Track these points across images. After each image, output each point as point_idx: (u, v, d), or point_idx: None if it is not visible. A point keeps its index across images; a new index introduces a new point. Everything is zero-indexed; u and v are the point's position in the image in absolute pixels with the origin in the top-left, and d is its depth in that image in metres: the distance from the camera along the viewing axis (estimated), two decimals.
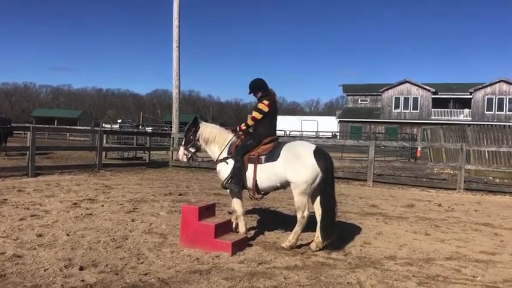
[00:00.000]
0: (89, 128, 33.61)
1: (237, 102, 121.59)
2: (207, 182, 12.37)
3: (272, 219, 7.35)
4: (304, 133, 43.17)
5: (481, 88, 46.30)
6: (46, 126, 39.92)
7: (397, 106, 48.66)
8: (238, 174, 5.83)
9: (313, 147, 5.64)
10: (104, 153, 15.71)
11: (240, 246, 5.36)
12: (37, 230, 5.90)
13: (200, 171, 14.93)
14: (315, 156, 5.46)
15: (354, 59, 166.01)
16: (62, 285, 4.02)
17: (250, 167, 5.79)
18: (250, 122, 6.05)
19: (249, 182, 5.80)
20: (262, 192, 6.04)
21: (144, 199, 8.79)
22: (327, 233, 5.54)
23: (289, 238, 5.62)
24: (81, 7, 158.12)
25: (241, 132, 6.21)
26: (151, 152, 17.23)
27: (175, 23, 17.35)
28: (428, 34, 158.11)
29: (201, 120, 6.59)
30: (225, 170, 6.05)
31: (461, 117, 46.67)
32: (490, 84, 45.92)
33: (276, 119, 6.19)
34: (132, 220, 6.79)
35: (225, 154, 6.10)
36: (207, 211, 5.69)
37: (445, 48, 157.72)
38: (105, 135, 17.35)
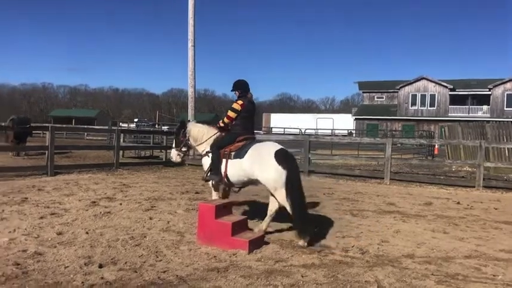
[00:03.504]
0: (106, 127, 33.98)
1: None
2: None
3: (288, 218, 7.33)
4: (319, 131, 43.07)
5: (501, 84, 45.54)
6: (64, 126, 40.52)
7: (413, 103, 48.15)
8: (216, 165, 6.37)
9: (276, 148, 5.98)
10: (121, 152, 15.87)
11: (257, 244, 5.37)
12: (57, 228, 6.00)
13: None
14: (276, 157, 5.82)
15: (370, 56, 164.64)
16: (82, 282, 4.08)
17: (224, 161, 6.32)
18: (226, 120, 6.64)
19: (222, 174, 6.32)
20: (236, 185, 6.55)
21: (161, 197, 8.86)
22: (300, 230, 5.65)
23: (297, 234, 5.73)
24: (97, 7, 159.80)
25: (221, 129, 6.75)
26: (167, 150, 17.37)
27: (191, 22, 17.42)
28: (445, 30, 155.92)
29: (187, 121, 7.19)
30: (206, 163, 6.65)
31: (479, 113, 45.96)
32: (510, 80, 45.10)
33: (252, 119, 6.77)
34: (150, 218, 6.85)
35: (208, 148, 6.66)
36: (224, 209, 5.72)
37: (462, 44, 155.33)
38: (122, 135, 17.54)
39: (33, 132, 25.00)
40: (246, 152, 6.13)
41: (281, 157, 5.85)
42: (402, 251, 5.55)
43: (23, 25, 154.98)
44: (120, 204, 7.95)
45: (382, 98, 53.13)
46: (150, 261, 4.76)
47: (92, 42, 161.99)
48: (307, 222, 5.75)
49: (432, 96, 47.62)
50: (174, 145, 7.22)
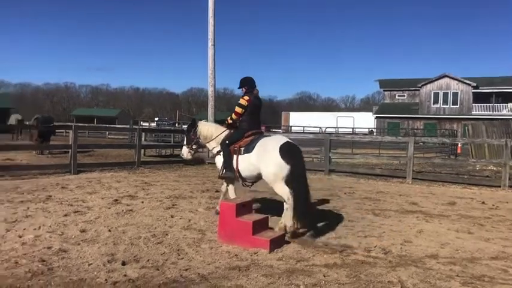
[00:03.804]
0: (128, 126, 34.37)
1: (271, 99, 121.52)
2: None
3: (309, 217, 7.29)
4: (340, 129, 42.76)
5: None
6: (86, 125, 41.12)
7: (436, 101, 47.31)
8: (228, 162, 6.60)
9: (282, 142, 6.10)
10: (142, 150, 16.03)
11: (277, 243, 5.35)
12: (80, 226, 6.09)
13: None
14: (280, 151, 5.93)
15: (391, 54, 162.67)
16: (106, 279, 4.13)
17: (234, 157, 6.54)
18: (234, 116, 6.83)
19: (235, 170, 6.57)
20: (249, 180, 6.72)
21: (182, 196, 8.92)
22: (302, 221, 5.81)
23: (285, 223, 5.91)
24: (118, 7, 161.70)
25: (229, 126, 6.96)
26: None
27: (211, 21, 17.46)
28: (468, 27, 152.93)
29: (198, 120, 7.42)
30: (219, 161, 6.90)
31: (504, 111, 44.88)
32: None
33: (258, 115, 6.96)
34: (171, 216, 6.90)
35: (218, 147, 6.89)
36: (244, 208, 5.72)
37: (486, 41, 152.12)
38: (143, 133, 17.71)
39: (56, 131, 25.49)
40: (254, 147, 6.32)
41: (285, 151, 5.95)
42: (426, 251, 5.46)
43: (46, 25, 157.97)
44: (142, 202, 8.03)
45: (404, 96, 52.39)
46: (172, 259, 4.79)
47: (113, 42, 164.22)
48: (307, 216, 5.86)
49: (455, 94, 46.73)
50: (185, 143, 7.54)
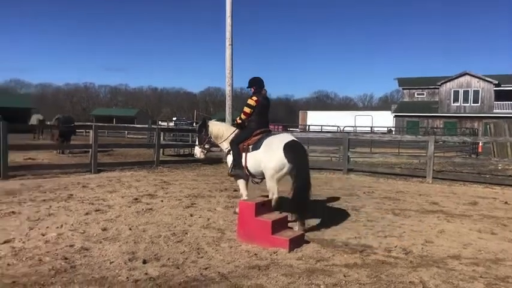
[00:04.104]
0: (146, 126, 34.70)
1: (288, 98, 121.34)
2: None
3: (329, 216, 7.26)
4: (358, 128, 42.44)
5: None
6: (106, 124, 41.60)
7: (456, 99, 46.58)
8: (238, 160, 6.83)
9: (287, 140, 6.32)
10: (161, 150, 16.15)
11: (297, 242, 5.34)
12: (102, 224, 6.17)
13: None
14: (284, 149, 6.16)
15: (410, 52, 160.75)
16: (127, 277, 4.18)
17: (243, 155, 6.77)
18: (243, 116, 7.04)
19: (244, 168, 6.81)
20: (258, 177, 6.91)
21: (201, 194, 8.96)
22: (299, 213, 6.01)
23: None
24: (136, 8, 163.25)
25: (239, 125, 7.17)
26: None
27: (228, 21, 17.49)
28: (489, 24, 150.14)
29: (208, 120, 7.67)
30: (229, 159, 7.12)
31: None
32: None
33: (266, 114, 7.13)
34: (191, 215, 6.94)
35: (228, 146, 7.13)
36: (263, 207, 5.71)
37: (508, 38, 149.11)
38: (162, 133, 17.85)
39: (77, 130, 25.86)
40: (262, 144, 6.57)
41: (289, 149, 6.17)
42: (447, 251, 5.38)
43: (67, 26, 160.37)
44: (161, 201, 8.09)
45: (423, 94, 51.72)
46: (192, 258, 4.81)
47: (132, 43, 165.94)
48: (304, 210, 6.03)
49: (476, 92, 45.93)
50: (197, 143, 7.72)
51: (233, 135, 7.14)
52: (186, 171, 13.62)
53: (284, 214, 5.96)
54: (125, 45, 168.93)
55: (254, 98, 6.95)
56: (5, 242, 5.14)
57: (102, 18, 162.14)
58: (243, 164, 6.79)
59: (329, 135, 20.43)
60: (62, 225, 6.00)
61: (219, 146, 7.59)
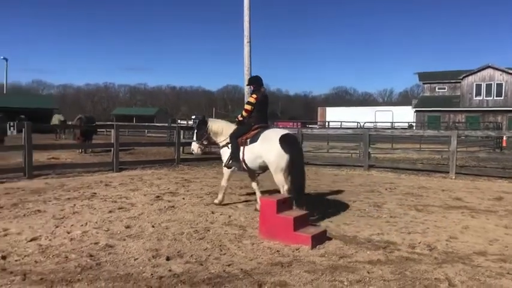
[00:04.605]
0: (166, 124, 34.97)
1: (306, 94, 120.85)
2: None
3: (351, 213, 7.22)
4: (378, 124, 42.00)
5: None
6: (126, 124, 42.06)
7: (478, 93, 45.66)
8: (235, 153, 7.19)
9: (282, 133, 6.76)
10: (181, 148, 16.26)
11: (319, 239, 5.32)
12: (125, 222, 6.25)
13: None
14: (280, 141, 6.54)
15: (429, 46, 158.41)
16: (152, 274, 4.23)
17: (241, 148, 7.13)
18: (244, 113, 7.38)
19: (241, 161, 7.16)
20: (253, 170, 7.33)
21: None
22: (297, 199, 6.25)
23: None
24: (154, 7, 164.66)
25: (240, 122, 7.51)
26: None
27: (246, 18, 17.47)
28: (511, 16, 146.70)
29: (207, 118, 8.01)
30: (225, 153, 7.52)
31: None
32: None
33: (265, 111, 7.48)
34: (212, 212, 6.98)
35: (228, 140, 7.45)
36: (284, 204, 5.71)
37: None
38: (181, 131, 17.96)
39: (98, 130, 26.24)
40: (259, 138, 6.92)
41: (284, 141, 6.57)
42: (473, 248, 5.29)
43: (85, 27, 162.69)
44: (183, 198, 8.16)
45: (444, 88, 50.86)
46: (215, 255, 4.84)
47: (150, 43, 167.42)
48: (302, 197, 6.38)
49: (499, 86, 44.93)
50: (195, 138, 7.98)
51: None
52: (206, 169, 13.70)
53: (305, 211, 5.95)
54: (144, 45, 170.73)
55: (254, 95, 7.30)
56: (32, 240, 5.26)
57: (120, 18, 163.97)
58: (241, 157, 7.12)
59: (349, 131, 20.30)
60: (86, 223, 6.10)
61: (216, 143, 7.92)
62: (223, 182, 7.66)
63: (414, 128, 42.35)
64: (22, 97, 56.79)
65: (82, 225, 6.03)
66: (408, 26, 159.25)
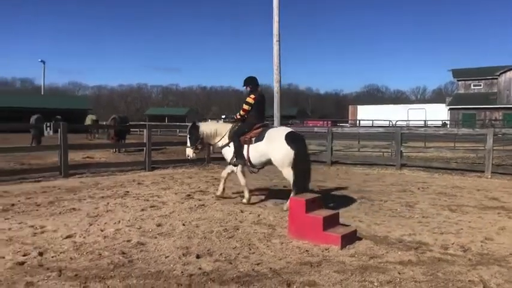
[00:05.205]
0: None
1: (337, 93, 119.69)
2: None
3: (382, 213, 7.12)
4: (411, 122, 41.20)
5: None
6: (159, 123, 42.71)
7: None
8: (239, 152, 7.47)
9: (287, 131, 7.18)
10: (211, 147, 16.39)
11: (349, 239, 5.27)
12: (156, 220, 6.36)
13: None
14: (286, 139, 6.92)
15: (463, 42, 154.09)
16: (182, 271, 4.29)
17: (245, 147, 7.40)
18: (242, 112, 7.68)
19: (245, 158, 7.45)
20: (257, 167, 7.67)
21: (250, 191, 9.00)
22: (301, 192, 6.52)
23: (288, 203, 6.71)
24: (181, 8, 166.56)
25: (238, 121, 7.76)
26: None
27: (275, 18, 17.44)
28: None
29: (197, 122, 8.26)
30: (228, 151, 7.80)
31: None
32: None
33: (263, 110, 7.80)
34: (241, 211, 7.01)
35: (226, 140, 7.76)
36: (314, 204, 5.69)
37: None
38: None
39: (131, 130, 26.76)
40: (264, 136, 7.21)
41: (290, 139, 6.95)
42: (509, 249, 5.12)
43: (119, 28, 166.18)
44: (213, 197, 8.23)
45: (480, 85, 49.38)
46: (244, 253, 4.87)
47: (181, 44, 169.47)
48: (306, 191, 6.67)
49: None
50: (188, 144, 8.11)
51: (230, 131, 7.73)
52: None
53: (335, 211, 5.91)
54: (175, 45, 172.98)
55: (252, 96, 7.58)
56: (67, 237, 5.42)
57: (151, 20, 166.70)
58: (245, 155, 7.40)
59: (381, 129, 19.98)
60: (119, 221, 6.25)
61: (211, 145, 8.26)
62: (242, 182, 7.85)
63: (448, 126, 41.32)
64: (58, 98, 58.52)
65: (115, 223, 6.18)
66: (442, 22, 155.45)
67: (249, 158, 7.42)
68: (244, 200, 7.70)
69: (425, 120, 44.63)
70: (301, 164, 6.91)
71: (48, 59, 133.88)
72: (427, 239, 5.53)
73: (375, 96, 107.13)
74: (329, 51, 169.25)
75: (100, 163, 13.91)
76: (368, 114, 54.70)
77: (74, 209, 7.09)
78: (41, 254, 4.77)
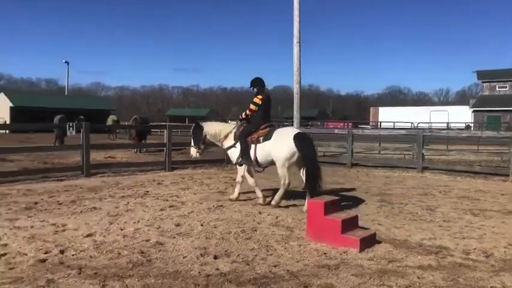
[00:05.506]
0: None
1: (358, 94, 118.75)
2: (329, 176, 12.24)
3: (402, 216, 7.02)
4: (433, 124, 40.56)
5: None
6: (179, 124, 43.03)
7: None
8: (245, 151, 7.56)
9: (295, 132, 7.36)
10: None
11: (368, 242, 5.21)
12: (175, 220, 6.41)
13: (322, 166, 14.70)
14: (294, 139, 7.07)
15: (488, 43, 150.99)
16: (199, 272, 4.30)
17: (252, 146, 7.52)
18: (248, 112, 7.80)
19: (252, 157, 7.56)
20: (262, 166, 7.82)
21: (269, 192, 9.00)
22: (312, 192, 6.85)
23: (275, 198, 7.43)
24: (203, 10, 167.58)
25: (243, 120, 7.91)
26: None
27: (296, 19, 17.42)
28: None
29: (200, 122, 8.34)
30: (234, 152, 7.90)
31: None
32: None
33: (269, 110, 7.92)
34: (259, 212, 7.01)
35: (232, 140, 7.89)
36: (333, 206, 5.65)
37: None
38: None
39: (152, 130, 27.05)
40: (272, 136, 7.36)
41: (297, 139, 7.09)
42: None
43: (141, 30, 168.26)
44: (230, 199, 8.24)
45: (505, 87, 48.27)
46: (261, 255, 4.86)
47: (203, 44, 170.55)
48: (317, 190, 6.91)
49: None
50: (192, 143, 8.27)
51: (235, 130, 7.91)
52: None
53: (354, 213, 5.85)
54: (196, 45, 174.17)
55: (259, 96, 7.69)
56: (87, 236, 5.50)
57: (172, 21, 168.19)
58: (252, 154, 7.51)
59: (402, 132, 19.75)
60: (138, 221, 6.31)
61: (215, 145, 8.35)
62: (250, 182, 7.99)
63: (472, 128, 40.55)
64: (82, 98, 59.63)
65: (134, 222, 6.24)
66: (467, 22, 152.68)
67: (256, 157, 7.53)
68: (260, 201, 7.70)
69: (448, 123, 43.88)
70: (309, 164, 7.08)
71: (72, 60, 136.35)
72: (448, 243, 5.43)
73: (396, 98, 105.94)
74: (351, 52, 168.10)
75: (121, 163, 14.10)
76: (389, 116, 54.03)
77: (94, 208, 7.19)
78: (62, 252, 4.85)
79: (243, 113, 7.94)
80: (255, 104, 7.72)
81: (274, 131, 7.48)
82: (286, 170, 7.25)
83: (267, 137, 7.41)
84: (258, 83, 7.91)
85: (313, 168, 7.09)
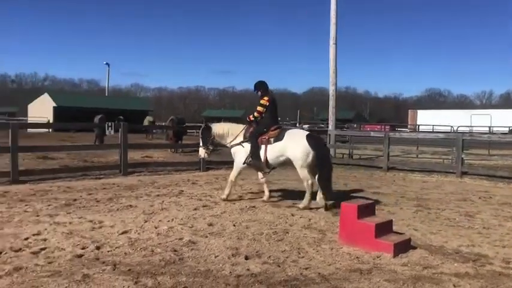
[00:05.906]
0: None
1: (396, 96, 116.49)
2: (364, 180, 12.08)
3: (439, 222, 6.83)
4: (474, 128, 39.27)
5: None
6: None
7: None
8: (255, 152, 7.63)
9: (307, 133, 7.64)
10: None
11: (402, 247, 5.10)
12: (208, 220, 6.47)
13: (358, 169, 14.64)
14: (307, 139, 7.27)
15: None
16: (230, 272, 4.33)
17: (263, 147, 7.59)
18: (256, 114, 7.90)
19: (262, 158, 7.62)
20: (271, 167, 7.90)
21: (302, 195, 8.94)
22: (326, 194, 7.21)
23: (303, 201, 7.43)
24: (241, 11, 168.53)
25: (251, 122, 7.98)
26: None
27: (333, 20, 17.28)
28: None
29: (209, 123, 8.46)
30: (240, 151, 7.93)
31: None
32: None
33: (276, 112, 8.07)
34: (292, 215, 6.98)
35: (241, 138, 7.94)
36: (366, 210, 5.55)
37: None
38: None
39: (188, 131, 27.44)
40: (284, 137, 7.47)
41: (311, 140, 7.30)
42: None
43: (179, 32, 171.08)
44: (262, 200, 8.24)
45: None
46: (293, 257, 4.84)
47: (239, 46, 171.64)
48: (330, 190, 7.29)
49: None
50: (201, 144, 8.38)
51: (244, 131, 7.96)
52: (289, 171, 13.69)
53: (388, 218, 5.74)
54: (231, 47, 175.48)
55: (266, 98, 7.86)
56: (123, 233, 5.64)
57: (208, 24, 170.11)
58: (262, 155, 7.58)
59: (441, 135, 19.22)
60: (172, 219, 6.42)
61: (223, 145, 8.40)
62: (262, 179, 8.32)
63: None
64: (121, 99, 61.17)
65: (169, 221, 6.35)
66: (509, 22, 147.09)
67: (266, 158, 7.58)
68: (265, 198, 8.08)
69: (490, 127, 42.38)
70: (322, 164, 7.26)
71: (113, 62, 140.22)
72: (487, 251, 5.24)
73: (436, 100, 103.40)
74: (389, 53, 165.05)
75: (157, 162, 14.37)
76: (429, 119, 52.67)
77: (130, 205, 7.36)
78: (98, 248, 4.99)
79: (251, 115, 8.02)
80: (262, 105, 7.85)
81: (286, 132, 7.60)
82: (306, 171, 7.34)
83: (279, 137, 7.51)
84: (261, 86, 8.07)
85: (327, 167, 7.31)
